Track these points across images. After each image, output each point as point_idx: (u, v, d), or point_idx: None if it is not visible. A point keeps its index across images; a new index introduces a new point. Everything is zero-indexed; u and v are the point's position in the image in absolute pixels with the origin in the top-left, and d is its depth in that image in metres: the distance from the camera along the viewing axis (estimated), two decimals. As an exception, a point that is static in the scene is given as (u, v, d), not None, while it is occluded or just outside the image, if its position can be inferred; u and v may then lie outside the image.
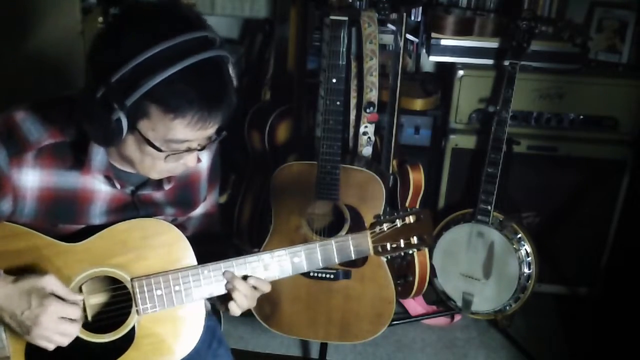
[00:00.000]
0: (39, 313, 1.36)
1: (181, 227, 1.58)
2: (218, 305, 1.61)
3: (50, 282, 1.39)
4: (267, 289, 1.56)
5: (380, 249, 1.59)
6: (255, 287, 1.54)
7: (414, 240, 1.57)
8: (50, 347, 1.40)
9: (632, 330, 2.88)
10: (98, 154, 1.43)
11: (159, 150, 1.35)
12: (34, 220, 1.46)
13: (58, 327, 1.38)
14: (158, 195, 1.58)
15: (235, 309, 1.54)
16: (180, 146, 1.37)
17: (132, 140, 1.36)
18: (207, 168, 1.66)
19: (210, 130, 1.36)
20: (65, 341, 1.40)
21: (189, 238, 1.53)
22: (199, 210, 1.72)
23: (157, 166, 1.41)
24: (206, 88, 1.30)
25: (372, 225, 1.59)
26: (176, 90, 1.27)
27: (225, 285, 1.53)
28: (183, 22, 1.31)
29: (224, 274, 1.52)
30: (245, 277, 1.53)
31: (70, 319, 1.40)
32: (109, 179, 1.47)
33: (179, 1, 1.37)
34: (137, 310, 1.49)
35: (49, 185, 1.44)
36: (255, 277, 1.54)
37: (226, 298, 1.55)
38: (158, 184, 1.54)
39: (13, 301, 1.37)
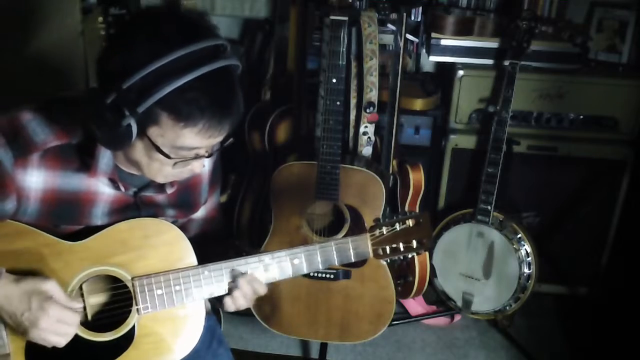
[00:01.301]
0: (38, 316, 1.36)
1: (181, 228, 1.58)
2: (214, 301, 1.61)
3: (51, 288, 1.38)
4: (262, 290, 1.56)
5: (380, 252, 1.59)
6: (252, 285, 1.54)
7: (414, 244, 1.58)
8: (48, 345, 1.40)
9: (632, 330, 2.88)
10: (104, 157, 1.44)
11: (168, 157, 1.35)
12: (36, 221, 1.46)
13: (57, 329, 1.38)
14: (160, 197, 1.58)
15: (230, 305, 1.54)
16: (189, 153, 1.38)
17: (141, 146, 1.37)
18: (209, 171, 1.67)
19: (219, 137, 1.38)
20: (62, 341, 1.40)
21: (190, 239, 1.54)
22: (200, 213, 1.72)
23: (164, 171, 1.41)
24: (217, 97, 1.31)
25: (372, 228, 1.59)
26: (188, 99, 1.28)
27: (229, 282, 1.53)
28: (194, 30, 1.32)
29: (230, 272, 1.52)
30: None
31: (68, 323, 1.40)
32: (113, 181, 1.48)
33: (189, 8, 1.38)
34: (137, 310, 1.49)
35: (53, 187, 1.45)
36: (251, 275, 1.54)
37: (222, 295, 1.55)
38: (160, 186, 1.55)
39: (13, 302, 1.37)
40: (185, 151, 1.37)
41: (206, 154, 1.41)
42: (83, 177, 1.46)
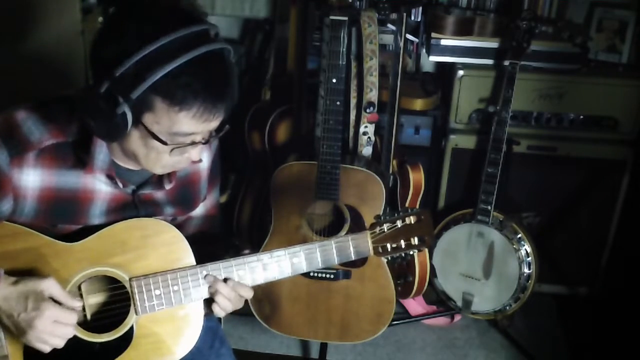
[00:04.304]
0: (34, 316, 1.36)
1: (180, 227, 1.58)
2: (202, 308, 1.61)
3: (49, 286, 1.38)
4: (247, 293, 1.55)
5: (380, 250, 1.59)
6: (236, 290, 1.53)
7: (415, 241, 1.57)
8: (46, 349, 1.39)
9: (632, 330, 2.88)
10: (101, 153, 1.43)
11: (164, 143, 1.35)
12: (34, 220, 1.46)
13: (53, 330, 1.38)
14: (158, 194, 1.58)
15: (219, 311, 1.53)
16: (185, 139, 1.37)
17: (137, 135, 1.37)
18: (207, 168, 1.67)
19: (215, 122, 1.37)
20: (60, 343, 1.40)
21: (188, 238, 1.53)
22: (199, 211, 1.72)
23: (162, 160, 1.41)
24: (211, 80, 1.31)
25: (372, 226, 1.59)
26: (181, 83, 1.28)
27: (208, 289, 1.52)
28: (184, 16, 1.32)
29: (205, 277, 1.52)
30: (225, 280, 1.53)
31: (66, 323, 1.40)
32: (111, 178, 1.48)
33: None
34: (135, 310, 1.49)
35: (50, 186, 1.44)
36: (234, 281, 1.53)
37: (210, 301, 1.54)
38: (159, 183, 1.55)
39: (11, 303, 1.37)
40: (182, 137, 1.36)
41: (202, 140, 1.40)
42: (80, 175, 1.46)
